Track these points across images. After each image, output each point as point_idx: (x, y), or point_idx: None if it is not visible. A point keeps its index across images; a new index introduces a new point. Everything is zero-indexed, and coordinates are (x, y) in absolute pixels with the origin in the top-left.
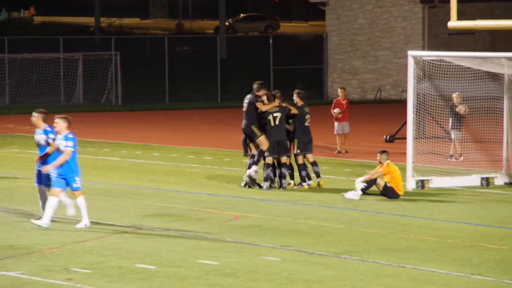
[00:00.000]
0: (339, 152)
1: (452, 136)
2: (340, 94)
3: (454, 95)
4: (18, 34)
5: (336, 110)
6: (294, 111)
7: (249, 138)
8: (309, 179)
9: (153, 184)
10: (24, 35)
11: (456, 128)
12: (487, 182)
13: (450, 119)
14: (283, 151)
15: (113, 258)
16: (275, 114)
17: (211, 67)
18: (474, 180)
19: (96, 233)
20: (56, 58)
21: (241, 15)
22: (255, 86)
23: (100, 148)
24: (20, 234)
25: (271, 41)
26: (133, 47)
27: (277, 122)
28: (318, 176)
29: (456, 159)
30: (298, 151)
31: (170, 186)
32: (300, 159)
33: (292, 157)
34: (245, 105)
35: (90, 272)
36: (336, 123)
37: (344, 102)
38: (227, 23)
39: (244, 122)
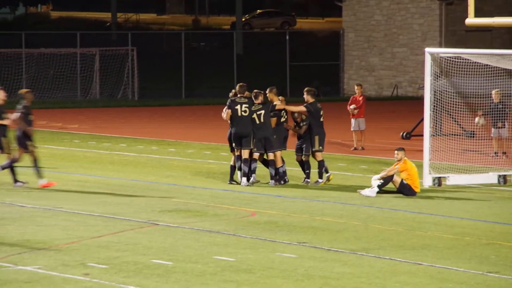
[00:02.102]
0: (355, 149)
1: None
2: (356, 91)
3: (493, 92)
4: (35, 29)
5: (352, 107)
6: (280, 106)
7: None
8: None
9: (170, 180)
10: (41, 30)
11: (495, 126)
12: (504, 179)
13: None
14: (269, 147)
15: (130, 254)
16: (258, 112)
17: (227, 63)
18: (491, 177)
19: (112, 228)
20: (73, 53)
21: (258, 11)
22: (238, 89)
23: (116, 144)
24: (37, 229)
25: (287, 37)
26: (150, 42)
27: (262, 120)
28: (325, 173)
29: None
30: (321, 147)
31: (186, 181)
32: (320, 156)
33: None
34: (246, 109)
35: (107, 267)
36: (352, 120)
37: (360, 98)
38: (243, 19)
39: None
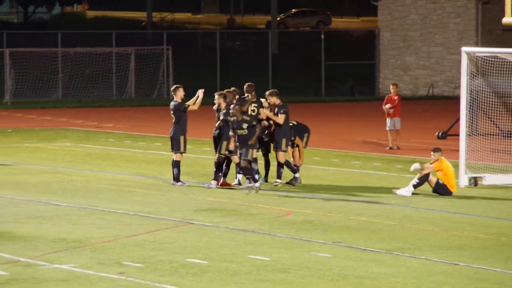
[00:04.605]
0: (390, 148)
1: None
2: (392, 90)
3: None
4: (71, 29)
5: (387, 106)
6: (265, 115)
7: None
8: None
9: (204, 179)
10: (77, 30)
11: None
12: None
13: None
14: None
15: (165, 253)
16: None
17: (262, 62)
18: None
19: (148, 227)
20: (109, 52)
21: (293, 10)
22: (247, 88)
23: (151, 143)
24: (73, 228)
25: (322, 36)
26: (185, 42)
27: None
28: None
29: None
30: (286, 149)
31: None
32: (283, 157)
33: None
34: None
35: (142, 266)
36: (387, 119)
37: (396, 98)
38: (278, 18)
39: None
